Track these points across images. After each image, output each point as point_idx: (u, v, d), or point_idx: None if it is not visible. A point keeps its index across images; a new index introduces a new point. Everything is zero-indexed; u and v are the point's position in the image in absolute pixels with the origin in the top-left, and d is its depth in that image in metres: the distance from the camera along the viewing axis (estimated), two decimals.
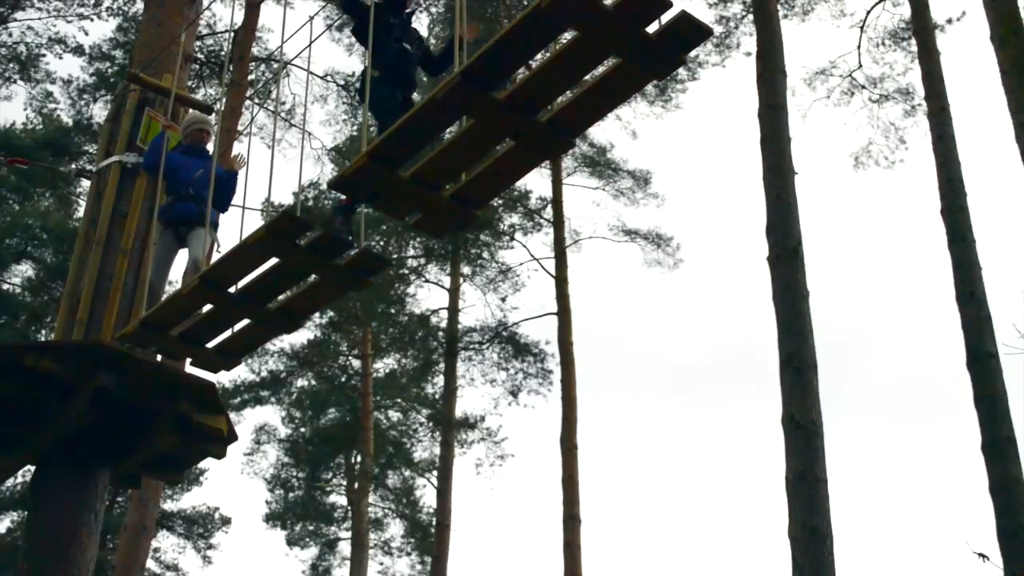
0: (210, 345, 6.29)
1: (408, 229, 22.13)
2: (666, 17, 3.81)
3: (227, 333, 6.23)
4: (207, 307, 5.98)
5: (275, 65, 15.17)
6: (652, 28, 3.86)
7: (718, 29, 19.74)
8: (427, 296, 30.27)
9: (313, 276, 5.81)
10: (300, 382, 25.88)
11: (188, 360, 6.80)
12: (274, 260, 5.60)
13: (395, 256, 23.07)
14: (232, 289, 5.77)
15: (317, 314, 23.53)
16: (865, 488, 42.08)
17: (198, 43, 17.96)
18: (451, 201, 4.78)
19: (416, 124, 4.36)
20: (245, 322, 6.14)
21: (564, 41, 4.05)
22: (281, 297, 6.09)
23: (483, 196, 4.93)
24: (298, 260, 5.53)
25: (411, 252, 23.68)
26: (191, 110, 7.11)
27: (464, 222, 5.06)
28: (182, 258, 6.82)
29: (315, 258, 5.52)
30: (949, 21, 18.62)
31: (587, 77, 4.22)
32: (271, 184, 6.19)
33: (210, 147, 7.05)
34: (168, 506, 25.20)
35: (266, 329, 6.27)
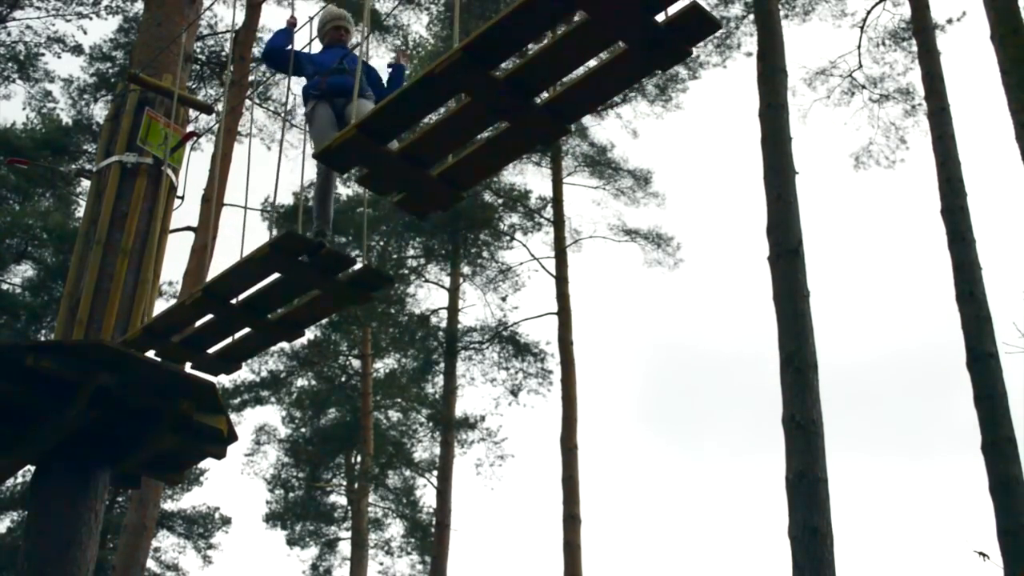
0: (211, 351, 6.32)
1: (408, 228, 22.10)
2: (676, 7, 3.73)
3: (228, 340, 6.25)
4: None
5: None
6: (661, 17, 3.76)
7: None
8: (427, 296, 30.18)
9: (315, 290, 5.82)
10: (300, 382, 25.91)
11: (189, 364, 6.81)
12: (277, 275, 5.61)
13: (395, 256, 23.03)
14: (234, 301, 5.79)
15: None
16: (865, 488, 42.10)
17: (198, 43, 17.96)
18: (438, 181, 4.66)
19: (410, 99, 4.22)
20: (246, 330, 6.16)
21: (571, 24, 3.93)
22: (282, 309, 6.10)
23: (471, 178, 4.81)
24: (301, 275, 5.55)
25: (411, 252, 23.66)
26: (328, 6, 6.77)
27: (449, 203, 4.94)
28: None
29: (318, 274, 5.53)
30: (949, 21, 18.66)
31: (590, 63, 4.09)
32: (275, 184, 6.13)
33: (352, 42, 6.63)
34: (168, 506, 25.22)
35: (267, 337, 6.29)
